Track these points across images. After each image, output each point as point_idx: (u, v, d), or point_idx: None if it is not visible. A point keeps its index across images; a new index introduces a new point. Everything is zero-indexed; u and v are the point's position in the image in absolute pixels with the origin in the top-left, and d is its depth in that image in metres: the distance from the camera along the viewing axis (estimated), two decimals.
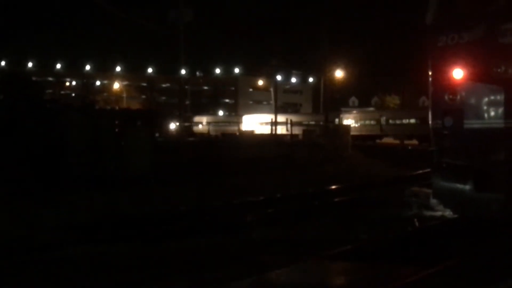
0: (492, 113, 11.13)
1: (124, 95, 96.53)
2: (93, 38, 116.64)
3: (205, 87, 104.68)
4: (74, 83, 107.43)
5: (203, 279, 9.21)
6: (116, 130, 26.34)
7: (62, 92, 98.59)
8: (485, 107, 11.23)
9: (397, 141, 50.95)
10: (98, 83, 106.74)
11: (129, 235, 12.06)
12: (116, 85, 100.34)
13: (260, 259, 10.26)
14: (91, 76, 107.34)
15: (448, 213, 12.94)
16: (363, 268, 9.55)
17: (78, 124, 22.28)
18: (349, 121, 56.32)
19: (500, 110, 11.01)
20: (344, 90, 71.56)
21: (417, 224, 13.17)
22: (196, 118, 77.27)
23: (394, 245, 10.99)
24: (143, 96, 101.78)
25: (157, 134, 38.69)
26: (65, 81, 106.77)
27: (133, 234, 12.16)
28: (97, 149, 21.38)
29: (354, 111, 63.09)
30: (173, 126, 53.76)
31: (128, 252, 10.79)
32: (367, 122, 57.60)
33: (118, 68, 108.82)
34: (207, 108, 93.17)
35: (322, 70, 55.36)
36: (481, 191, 11.09)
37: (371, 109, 65.01)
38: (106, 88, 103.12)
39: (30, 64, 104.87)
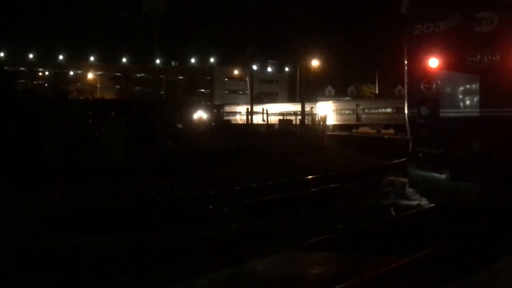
0: (468, 102, 11.14)
1: (98, 85, 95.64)
2: (66, 28, 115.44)
3: (180, 77, 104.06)
4: (47, 73, 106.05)
5: (179, 270, 9.13)
6: (90, 120, 26.04)
7: (35, 82, 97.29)
8: (460, 96, 11.24)
9: (373, 131, 51.14)
10: (71, 73, 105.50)
11: (98, 227, 11.87)
12: (90, 75, 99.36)
13: (236, 250, 10.21)
14: (65, 66, 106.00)
15: (424, 202, 12.97)
16: (340, 258, 9.56)
17: (52, 115, 21.95)
18: (325, 110, 56.33)
19: (476, 99, 11.03)
20: (320, 79, 71.66)
21: (393, 213, 13.17)
22: (227, 108, 72.03)
23: (371, 235, 10.98)
24: (117, 86, 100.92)
25: (180, 125, 38.35)
26: (38, 71, 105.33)
27: (104, 226, 11.97)
28: (71, 140, 21.08)
29: (330, 101, 63.13)
30: (199, 116, 51.90)
31: (97, 244, 10.64)
32: (343, 111, 57.70)
33: (92, 58, 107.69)
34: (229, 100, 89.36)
35: (298, 59, 55.27)
36: (457, 180, 11.12)
37: (347, 98, 65.11)
38: (80, 78, 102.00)
39: (1, 54, 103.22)
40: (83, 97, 74.12)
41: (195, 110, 52.50)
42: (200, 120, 50.13)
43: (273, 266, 9.31)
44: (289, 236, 11.16)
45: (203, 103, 68.42)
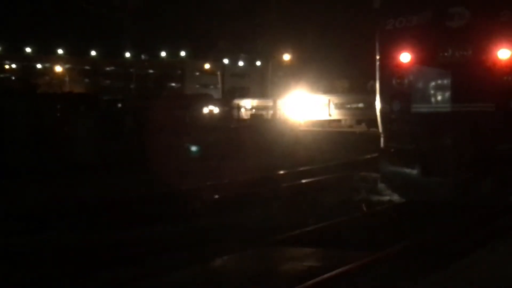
0: (439, 97, 11.18)
1: (67, 78, 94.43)
2: (34, 20, 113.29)
3: (151, 71, 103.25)
4: (14, 66, 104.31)
5: (146, 268, 8.99)
6: (59, 115, 25.64)
7: (1, 75, 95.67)
8: (432, 91, 11.27)
9: (346, 126, 51.37)
10: (39, 66, 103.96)
11: (59, 224, 11.61)
12: (59, 68, 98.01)
13: (208, 246, 10.08)
14: (32, 59, 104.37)
15: (395, 197, 12.99)
16: (311, 253, 9.57)
17: (19, 110, 21.51)
18: (297, 105, 56.34)
19: (447, 94, 11.08)
20: (293, 74, 71.68)
21: (365, 209, 13.17)
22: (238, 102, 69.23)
23: (342, 230, 10.96)
24: (87, 80, 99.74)
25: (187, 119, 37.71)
26: (4, 64, 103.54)
27: (66, 223, 11.72)
28: (39, 136, 20.67)
29: (303, 96, 63.08)
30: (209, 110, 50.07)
31: (58, 242, 10.43)
32: (315, 106, 57.75)
33: (60, 51, 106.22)
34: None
35: (270, 53, 55.24)
36: (428, 175, 11.17)
37: (320, 93, 65.14)
38: (48, 71, 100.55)
39: None
40: (52, 91, 73.12)
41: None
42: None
43: (244, 262, 9.27)
44: (260, 232, 11.05)
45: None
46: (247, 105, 59.46)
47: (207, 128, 36.19)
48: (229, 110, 50.65)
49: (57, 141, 20.94)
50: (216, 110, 49.94)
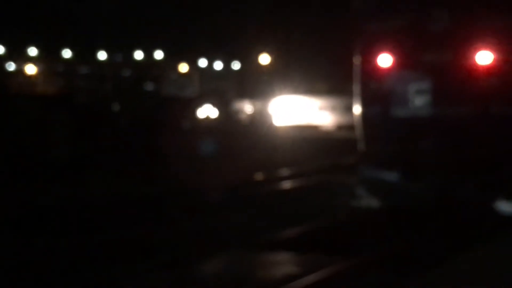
0: (420, 101, 11.12)
1: (41, 79, 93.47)
2: (5, 19, 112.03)
3: (126, 72, 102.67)
4: None
5: (122, 272, 8.79)
6: (33, 116, 25.23)
7: None
8: (412, 95, 11.20)
9: (326, 129, 51.49)
10: (11, 67, 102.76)
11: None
12: (32, 69, 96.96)
13: (183, 251, 9.89)
14: (4, 59, 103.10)
15: (374, 202, 12.89)
16: (287, 258, 9.56)
17: None
18: (277, 107, 56.33)
19: (427, 98, 11.04)
20: (272, 75, 71.77)
21: (343, 213, 13.07)
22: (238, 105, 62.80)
23: (320, 235, 10.88)
24: (60, 81, 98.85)
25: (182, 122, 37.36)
26: None
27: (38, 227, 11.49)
28: (12, 138, 20.37)
29: (282, 98, 63.00)
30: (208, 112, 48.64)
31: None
32: (296, 109, 57.74)
33: (33, 51, 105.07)
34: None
35: (248, 55, 55.15)
36: (408, 180, 11.12)
37: (299, 95, 65.25)
38: (21, 71, 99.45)
39: None
40: (24, 92, 72.25)
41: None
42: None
43: (220, 266, 9.26)
44: (237, 237, 10.91)
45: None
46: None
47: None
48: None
49: (31, 142, 20.66)
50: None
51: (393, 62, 11.28)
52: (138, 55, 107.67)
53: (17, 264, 9.30)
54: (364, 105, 11.74)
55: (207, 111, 47.87)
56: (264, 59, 65.56)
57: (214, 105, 50.49)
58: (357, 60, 11.91)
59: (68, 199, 14.41)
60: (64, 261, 9.31)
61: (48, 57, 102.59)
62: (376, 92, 11.47)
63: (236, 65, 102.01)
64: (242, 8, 54.11)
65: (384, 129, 11.46)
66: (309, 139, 38.11)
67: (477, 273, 7.43)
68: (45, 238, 10.68)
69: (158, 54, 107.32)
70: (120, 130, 31.00)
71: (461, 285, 6.97)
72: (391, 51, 11.26)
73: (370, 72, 11.54)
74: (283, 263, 9.26)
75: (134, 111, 42.88)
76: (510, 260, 8.13)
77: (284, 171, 19.90)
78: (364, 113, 11.75)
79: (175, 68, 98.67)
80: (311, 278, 8.07)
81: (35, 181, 16.83)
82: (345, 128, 47.66)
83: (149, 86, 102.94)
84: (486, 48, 10.64)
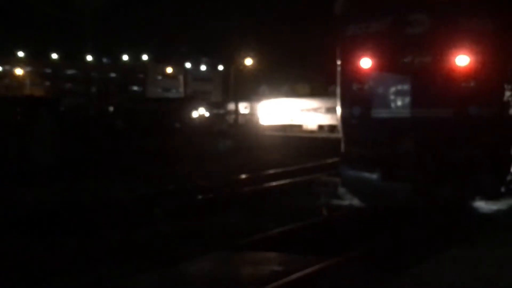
0: (399, 103, 11.31)
1: (28, 81, 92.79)
2: None
3: (113, 74, 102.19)
4: None
5: (108, 273, 8.86)
6: (18, 118, 25.12)
7: None
8: (392, 97, 11.40)
9: (308, 131, 51.54)
10: None
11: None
12: (19, 71, 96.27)
13: (169, 251, 10.00)
14: None
15: (356, 202, 13.05)
16: (272, 258, 9.58)
17: None
18: (260, 109, 56.37)
19: (407, 99, 11.22)
20: (255, 78, 71.69)
21: (325, 213, 13.20)
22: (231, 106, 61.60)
23: (303, 235, 10.98)
24: (47, 83, 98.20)
25: (177, 124, 36.98)
26: None
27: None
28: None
29: (264, 100, 63.07)
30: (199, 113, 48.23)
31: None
32: (278, 111, 57.80)
33: (21, 53, 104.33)
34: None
35: (232, 58, 55.17)
36: (388, 180, 11.26)
37: (282, 98, 65.24)
38: (8, 74, 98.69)
39: None
40: (11, 94, 71.67)
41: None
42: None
43: (206, 267, 9.24)
44: (221, 237, 11.02)
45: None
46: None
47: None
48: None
49: (15, 145, 20.52)
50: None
51: (373, 64, 11.47)
52: (125, 57, 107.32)
53: None
54: (345, 107, 11.91)
55: (195, 113, 47.84)
56: (248, 61, 65.57)
57: (201, 106, 50.54)
58: (338, 63, 12.09)
59: (48, 203, 14.36)
60: (45, 264, 9.31)
61: (35, 59, 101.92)
62: (357, 94, 11.65)
63: (221, 68, 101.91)
64: (227, 12, 54.15)
65: (364, 130, 11.63)
66: (291, 138, 38.25)
67: (456, 272, 7.62)
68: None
69: (144, 57, 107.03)
70: (116, 132, 30.97)
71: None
72: (371, 54, 11.45)
73: (351, 74, 11.72)
74: (268, 262, 9.29)
75: (127, 113, 42.80)
76: (490, 260, 8.33)
77: (266, 171, 19.96)
78: (345, 115, 11.92)
79: (161, 70, 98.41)
80: (296, 276, 8.16)
81: (16, 185, 16.78)
82: (327, 128, 47.97)
83: (135, 88, 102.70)
84: (463, 51, 10.86)
